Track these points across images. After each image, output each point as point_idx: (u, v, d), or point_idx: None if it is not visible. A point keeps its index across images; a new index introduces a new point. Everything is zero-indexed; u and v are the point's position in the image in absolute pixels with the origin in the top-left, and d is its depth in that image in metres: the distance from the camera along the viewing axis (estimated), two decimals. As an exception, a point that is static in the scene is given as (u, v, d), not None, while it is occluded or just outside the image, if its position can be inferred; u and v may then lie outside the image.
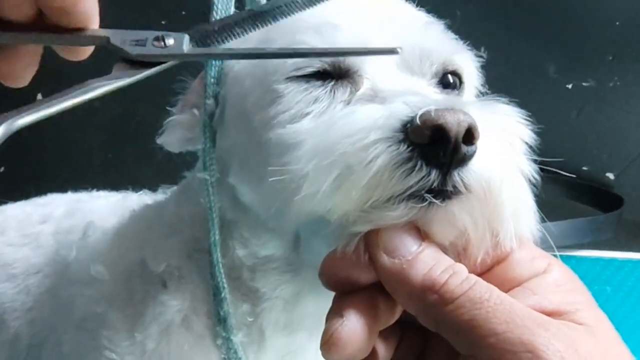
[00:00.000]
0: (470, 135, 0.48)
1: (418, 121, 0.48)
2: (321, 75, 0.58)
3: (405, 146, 0.48)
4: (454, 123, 0.47)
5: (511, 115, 0.54)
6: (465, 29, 1.39)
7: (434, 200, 0.48)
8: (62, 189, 1.03)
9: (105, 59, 0.52)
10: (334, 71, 0.58)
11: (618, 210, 1.40)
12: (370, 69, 0.58)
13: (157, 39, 0.52)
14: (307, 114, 0.56)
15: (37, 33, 0.50)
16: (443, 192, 0.49)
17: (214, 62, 0.62)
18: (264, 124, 0.58)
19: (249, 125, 0.60)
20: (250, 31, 0.54)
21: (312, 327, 0.66)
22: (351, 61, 0.58)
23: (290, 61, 0.58)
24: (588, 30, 1.40)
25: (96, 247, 0.76)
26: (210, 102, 0.63)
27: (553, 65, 1.43)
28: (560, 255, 1.35)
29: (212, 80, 0.63)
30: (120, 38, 0.52)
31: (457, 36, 0.66)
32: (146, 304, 0.68)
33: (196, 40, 0.53)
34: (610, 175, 1.49)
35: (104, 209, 0.87)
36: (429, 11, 0.67)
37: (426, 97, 0.54)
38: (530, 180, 0.53)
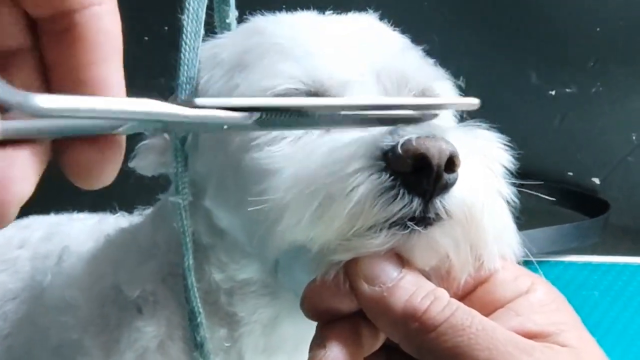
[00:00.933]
0: (452, 163, 0.48)
1: (400, 150, 0.47)
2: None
3: (387, 175, 0.48)
4: (436, 151, 0.47)
5: (491, 141, 0.55)
6: (447, 37, 1.40)
7: (416, 227, 0.48)
8: (46, 209, 1.01)
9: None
10: (309, 94, 0.58)
11: (604, 215, 1.40)
12: (349, 94, 0.58)
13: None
14: (285, 137, 0.56)
15: None
16: (425, 219, 0.49)
17: (184, 85, 0.61)
18: (242, 146, 0.58)
19: (225, 148, 0.60)
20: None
21: (291, 350, 0.66)
22: (329, 85, 0.58)
23: (268, 84, 0.57)
24: (569, 37, 1.40)
25: (71, 273, 0.76)
26: None
27: (535, 73, 1.43)
28: (548, 261, 1.35)
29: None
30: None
31: (436, 59, 0.66)
32: (121, 330, 0.67)
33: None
34: (596, 180, 1.49)
35: (80, 233, 0.86)
36: (411, 23, 0.66)
37: None
38: (509, 203, 0.54)
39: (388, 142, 0.49)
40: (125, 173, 0.67)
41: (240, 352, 0.67)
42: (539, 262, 1.34)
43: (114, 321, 0.69)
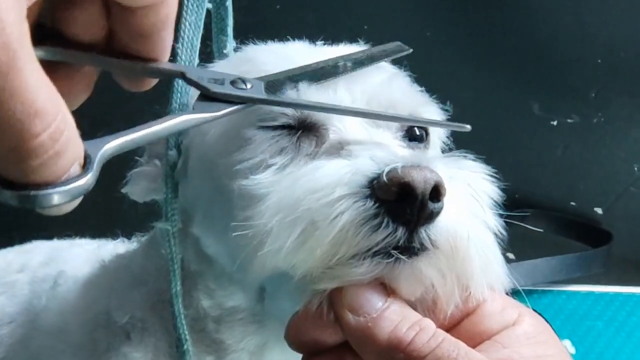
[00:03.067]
0: (437, 192, 0.47)
1: (385, 178, 0.47)
2: (288, 127, 0.58)
3: (372, 202, 0.48)
4: (421, 180, 0.47)
5: (477, 171, 0.54)
6: (448, 68, 1.41)
7: (400, 256, 0.48)
8: (49, 235, 1.03)
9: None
10: (298, 126, 0.58)
11: (607, 245, 1.40)
12: (336, 121, 0.58)
13: (234, 82, 0.53)
14: (271, 165, 0.55)
15: (104, 56, 0.47)
16: (409, 249, 0.48)
17: (176, 112, 0.62)
18: (228, 170, 0.57)
19: (212, 173, 0.60)
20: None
21: None
22: (317, 116, 0.58)
23: (256, 112, 0.57)
24: (571, 68, 1.41)
25: (65, 297, 0.76)
26: (172, 152, 0.62)
27: (537, 103, 1.44)
28: (551, 291, 1.35)
29: None
30: (196, 74, 0.52)
31: (437, 90, 0.66)
32: (109, 355, 0.67)
33: (268, 88, 0.54)
34: (599, 210, 1.49)
35: (78, 258, 0.87)
36: (415, 52, 0.67)
37: (392, 153, 0.53)
38: (500, 233, 0.53)
39: (373, 170, 0.49)
40: (129, 199, 0.68)
41: None
42: (543, 292, 1.34)
43: (103, 346, 0.69)
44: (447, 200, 0.49)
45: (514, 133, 1.45)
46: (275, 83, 0.55)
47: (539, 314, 1.17)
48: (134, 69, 0.48)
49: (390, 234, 0.48)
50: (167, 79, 0.52)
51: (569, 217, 1.48)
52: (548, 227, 1.45)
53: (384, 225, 0.48)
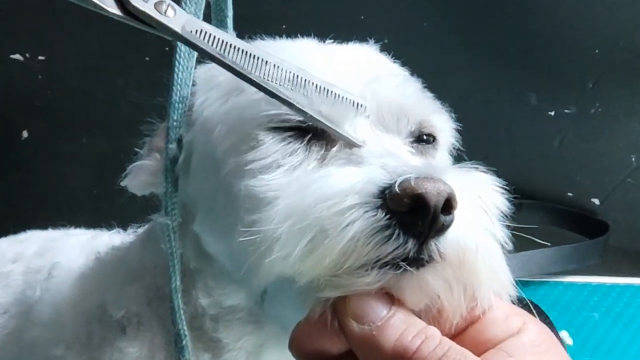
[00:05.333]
0: (449, 205, 0.47)
1: (397, 189, 0.47)
2: (299, 129, 0.57)
3: (383, 213, 0.47)
4: (434, 193, 0.46)
5: (486, 183, 0.54)
6: (446, 59, 1.41)
7: (409, 267, 0.47)
8: (44, 225, 1.03)
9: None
10: (309, 128, 0.57)
11: (604, 236, 1.40)
12: (348, 126, 0.57)
13: (159, 3, 0.52)
14: (281, 166, 0.55)
15: None
16: (417, 260, 0.48)
17: (176, 105, 0.62)
18: (238, 169, 0.57)
19: (218, 172, 0.59)
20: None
21: None
22: (329, 109, 0.57)
23: (268, 112, 0.57)
24: (568, 58, 1.41)
25: (59, 289, 0.76)
26: (172, 146, 0.62)
27: (534, 94, 1.43)
28: (547, 282, 1.35)
29: (174, 123, 0.63)
30: None
31: (436, 81, 0.66)
32: (104, 349, 0.67)
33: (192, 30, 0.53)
34: (596, 201, 1.48)
35: (73, 249, 0.86)
36: (410, 44, 0.67)
37: (404, 162, 0.53)
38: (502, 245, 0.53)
39: (385, 179, 0.48)
40: (128, 192, 0.68)
41: None
42: (539, 283, 1.34)
43: (98, 340, 0.69)
44: (458, 212, 0.48)
45: (511, 124, 1.45)
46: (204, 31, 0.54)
47: (536, 305, 1.17)
48: None
49: (400, 246, 0.47)
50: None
51: (566, 207, 1.48)
52: (545, 218, 1.45)
53: (394, 236, 0.47)
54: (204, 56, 0.56)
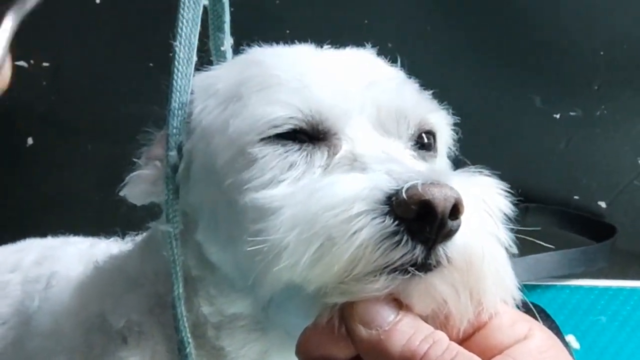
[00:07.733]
0: (456, 210, 0.47)
1: (404, 195, 0.47)
2: (297, 136, 0.57)
3: (391, 220, 0.47)
4: (441, 199, 0.46)
5: (491, 187, 0.54)
6: (451, 63, 1.41)
7: (417, 272, 0.47)
8: (48, 231, 1.03)
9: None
10: (311, 131, 0.57)
11: (611, 240, 1.40)
12: (349, 131, 0.57)
13: None
14: (283, 180, 0.55)
15: None
16: (425, 265, 0.48)
17: (176, 111, 0.62)
18: (237, 187, 0.57)
19: (219, 184, 0.59)
20: None
21: None
22: (330, 123, 0.57)
23: (265, 119, 0.57)
24: (573, 61, 1.40)
25: (58, 298, 0.76)
26: (172, 153, 0.62)
27: (539, 96, 1.43)
28: (554, 285, 1.35)
29: (174, 130, 0.62)
30: None
31: (439, 85, 0.66)
32: (105, 359, 0.67)
33: None
34: (602, 204, 1.48)
35: (71, 257, 0.86)
36: (412, 49, 0.67)
37: (408, 168, 0.53)
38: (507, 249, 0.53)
39: (391, 185, 0.48)
40: (127, 201, 0.68)
41: None
42: (546, 287, 1.34)
43: (98, 350, 0.68)
44: (464, 217, 0.48)
45: (516, 127, 1.45)
46: None
47: (543, 309, 1.17)
48: None
49: (408, 252, 0.47)
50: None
51: (572, 211, 1.47)
52: (551, 221, 1.44)
53: (403, 243, 0.47)
54: None
